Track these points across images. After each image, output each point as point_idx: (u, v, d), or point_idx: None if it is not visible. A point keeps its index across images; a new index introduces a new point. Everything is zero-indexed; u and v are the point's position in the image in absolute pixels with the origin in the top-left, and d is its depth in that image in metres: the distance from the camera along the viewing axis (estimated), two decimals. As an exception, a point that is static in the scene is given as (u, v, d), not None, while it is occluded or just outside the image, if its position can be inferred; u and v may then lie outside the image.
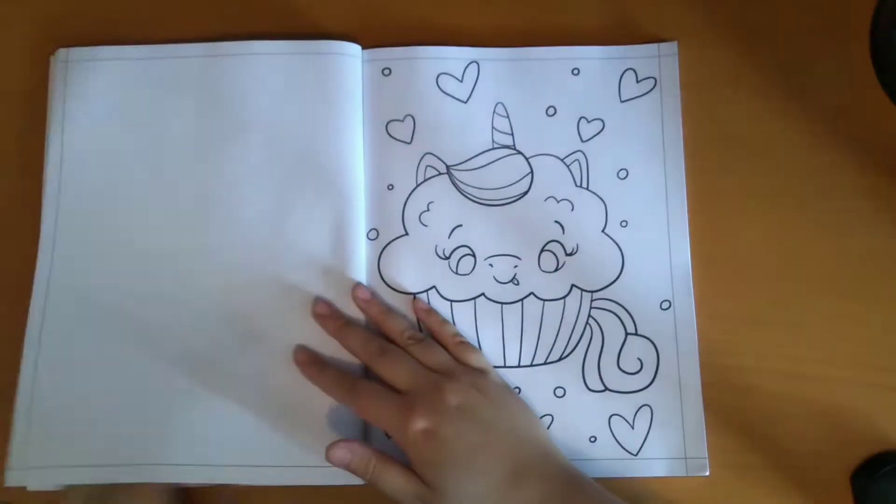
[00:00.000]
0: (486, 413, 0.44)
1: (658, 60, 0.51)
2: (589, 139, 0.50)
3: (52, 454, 0.46)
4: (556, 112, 0.51)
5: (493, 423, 0.44)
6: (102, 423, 0.47)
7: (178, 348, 0.48)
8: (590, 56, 0.51)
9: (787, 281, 0.49)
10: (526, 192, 0.50)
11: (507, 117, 0.51)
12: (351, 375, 0.46)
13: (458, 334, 0.48)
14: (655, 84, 0.51)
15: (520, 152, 0.50)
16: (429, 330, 0.48)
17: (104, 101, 0.50)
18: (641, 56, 0.51)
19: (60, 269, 0.48)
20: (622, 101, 0.51)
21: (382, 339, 0.47)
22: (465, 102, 0.51)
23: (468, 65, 0.51)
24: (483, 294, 0.49)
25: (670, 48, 0.51)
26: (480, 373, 0.46)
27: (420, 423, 0.42)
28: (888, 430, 0.47)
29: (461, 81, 0.51)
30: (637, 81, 0.51)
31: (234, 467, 0.46)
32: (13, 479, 0.46)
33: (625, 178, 0.50)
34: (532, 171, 0.50)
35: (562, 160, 0.50)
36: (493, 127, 0.51)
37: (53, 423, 0.47)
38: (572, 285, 0.49)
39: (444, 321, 0.48)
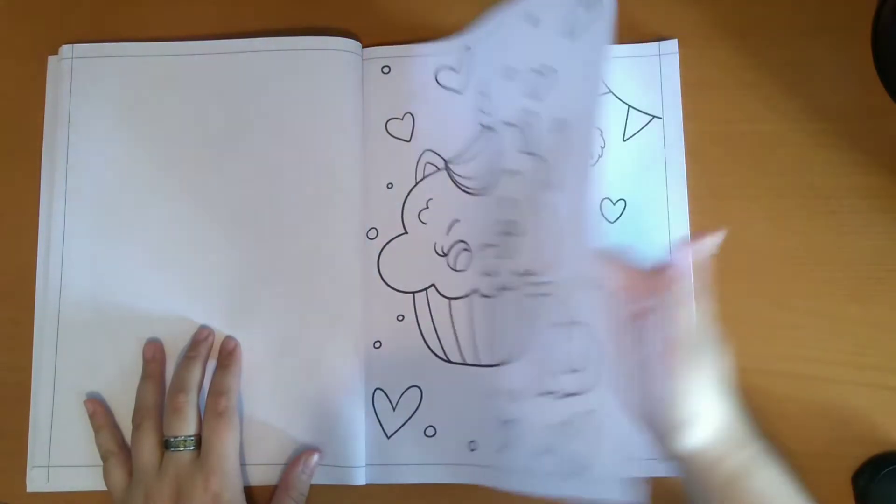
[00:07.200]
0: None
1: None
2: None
3: (74, 454, 0.47)
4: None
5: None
6: (123, 423, 0.47)
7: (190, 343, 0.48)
8: (590, 53, 0.51)
9: (788, 281, 0.49)
10: (517, 177, 0.48)
11: (490, 98, 0.49)
12: None
13: None
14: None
15: (510, 137, 0.49)
16: None
17: (109, 98, 0.50)
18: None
19: (72, 268, 0.48)
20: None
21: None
22: (462, 94, 0.50)
23: (464, 52, 0.50)
24: (477, 290, 0.48)
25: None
26: None
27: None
28: (889, 431, 0.47)
29: (458, 72, 0.50)
30: (638, 80, 0.51)
31: (243, 466, 0.46)
32: (35, 478, 0.46)
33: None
34: (526, 157, 0.49)
35: (557, 151, 0.50)
36: (479, 110, 0.49)
37: (74, 423, 0.47)
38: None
39: None
